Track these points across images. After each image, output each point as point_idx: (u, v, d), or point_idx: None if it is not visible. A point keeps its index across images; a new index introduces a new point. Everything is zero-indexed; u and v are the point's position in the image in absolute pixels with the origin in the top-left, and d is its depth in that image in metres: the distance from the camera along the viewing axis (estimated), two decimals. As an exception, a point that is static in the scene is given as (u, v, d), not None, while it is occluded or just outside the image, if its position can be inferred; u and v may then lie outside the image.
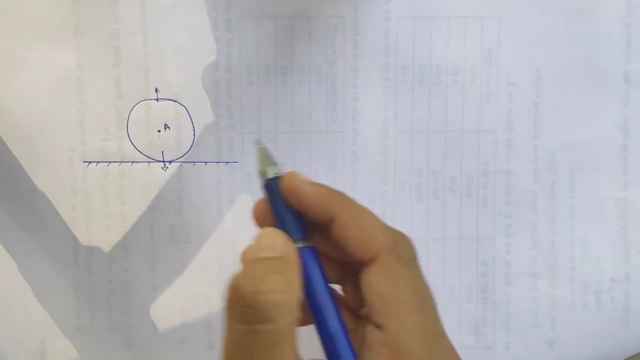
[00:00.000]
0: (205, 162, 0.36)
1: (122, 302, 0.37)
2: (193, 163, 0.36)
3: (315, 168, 0.37)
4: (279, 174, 0.27)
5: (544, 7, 0.37)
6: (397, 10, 0.36)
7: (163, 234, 0.37)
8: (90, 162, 0.36)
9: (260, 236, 0.26)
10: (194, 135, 0.36)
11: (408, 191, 0.37)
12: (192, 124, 0.36)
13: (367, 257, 0.26)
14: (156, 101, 0.36)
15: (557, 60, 0.37)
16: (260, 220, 0.28)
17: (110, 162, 0.36)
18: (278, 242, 0.26)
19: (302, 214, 0.27)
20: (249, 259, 0.26)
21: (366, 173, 0.37)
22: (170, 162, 0.36)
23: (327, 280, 0.26)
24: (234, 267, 0.37)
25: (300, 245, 0.26)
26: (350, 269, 0.27)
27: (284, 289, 0.24)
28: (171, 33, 0.36)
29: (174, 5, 0.36)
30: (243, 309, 0.23)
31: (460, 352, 0.37)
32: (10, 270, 0.36)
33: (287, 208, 0.27)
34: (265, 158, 0.28)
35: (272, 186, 0.27)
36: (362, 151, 0.37)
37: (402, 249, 0.26)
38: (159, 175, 0.36)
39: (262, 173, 0.28)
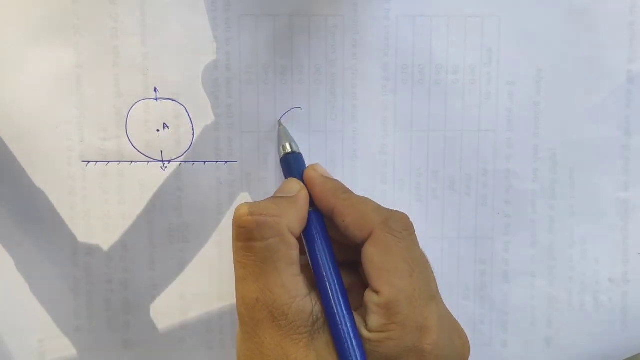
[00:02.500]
0: (205, 162, 0.37)
1: (121, 301, 0.37)
2: (192, 162, 0.36)
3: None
4: (295, 151, 0.34)
5: (545, 6, 0.36)
6: (397, 9, 0.36)
7: (162, 233, 0.37)
8: (89, 162, 0.36)
9: (284, 183, 0.33)
10: (193, 134, 0.36)
11: (407, 190, 0.37)
12: (192, 123, 0.36)
13: (364, 235, 0.30)
14: (155, 100, 0.36)
15: (559, 59, 0.37)
16: None
17: (109, 161, 0.36)
18: (295, 187, 0.32)
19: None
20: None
21: (365, 172, 0.37)
22: (169, 161, 0.36)
23: (327, 235, 0.31)
24: (233, 266, 0.37)
25: (309, 209, 0.31)
26: (357, 250, 0.31)
27: (274, 213, 0.29)
28: (170, 32, 0.36)
29: (173, 4, 0.36)
30: (238, 228, 0.29)
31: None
32: (8, 269, 0.36)
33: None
34: (284, 136, 0.35)
35: (287, 160, 0.34)
36: (361, 150, 0.37)
37: (393, 223, 0.30)
38: (158, 175, 0.36)
39: (283, 148, 0.34)
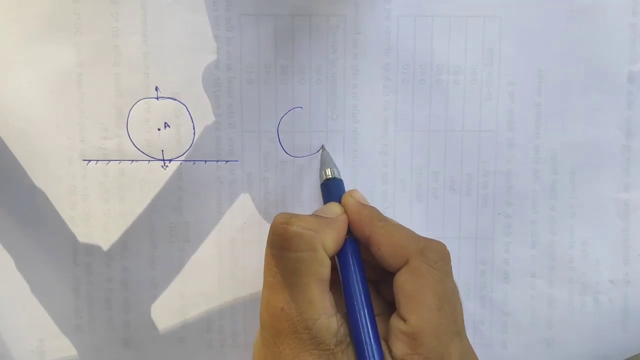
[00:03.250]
0: (205, 161, 0.37)
1: (121, 301, 0.37)
2: (193, 162, 0.36)
3: (315, 167, 0.37)
4: (336, 177, 0.35)
5: (546, 6, 0.36)
6: (398, 9, 0.36)
7: (162, 232, 0.37)
8: (89, 161, 0.36)
9: (325, 205, 0.33)
10: (194, 134, 0.36)
11: (408, 190, 0.37)
12: (192, 122, 0.36)
13: (400, 264, 0.30)
14: (156, 100, 0.36)
15: (560, 60, 0.37)
16: None
17: (109, 160, 0.36)
18: (336, 210, 0.32)
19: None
20: None
21: (366, 172, 0.37)
22: (170, 160, 0.36)
23: (361, 264, 0.31)
24: (234, 266, 0.37)
25: (346, 236, 0.31)
26: (388, 272, 0.31)
27: (312, 228, 0.29)
28: (171, 31, 0.36)
29: (174, 3, 0.36)
30: (274, 235, 0.29)
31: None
32: (9, 269, 0.36)
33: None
34: (326, 162, 0.35)
35: (327, 185, 0.34)
36: (362, 150, 0.37)
37: (430, 252, 0.30)
38: (158, 174, 0.36)
39: (325, 174, 0.35)
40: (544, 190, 0.37)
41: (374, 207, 0.33)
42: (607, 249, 0.38)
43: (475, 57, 0.37)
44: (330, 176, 0.35)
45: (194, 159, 0.36)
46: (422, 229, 0.37)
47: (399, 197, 0.37)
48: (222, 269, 0.37)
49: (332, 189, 0.34)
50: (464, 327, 0.30)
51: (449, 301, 0.29)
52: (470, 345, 0.31)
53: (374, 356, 0.28)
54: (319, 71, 0.36)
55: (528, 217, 0.38)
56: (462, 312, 0.31)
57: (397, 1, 0.36)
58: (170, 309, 0.37)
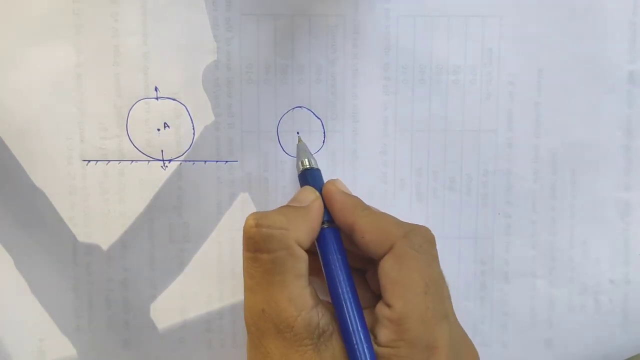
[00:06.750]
0: (205, 161, 0.37)
1: (121, 301, 0.37)
2: (192, 162, 0.36)
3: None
4: (313, 167, 0.34)
5: (546, 6, 0.36)
6: (397, 9, 0.36)
7: (162, 232, 0.37)
8: (89, 161, 0.36)
9: (299, 191, 0.33)
10: (194, 134, 0.36)
11: (408, 190, 0.37)
12: (192, 122, 0.36)
13: (385, 250, 0.30)
14: (156, 100, 0.36)
15: (560, 59, 0.37)
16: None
17: (109, 160, 0.36)
18: (310, 196, 0.32)
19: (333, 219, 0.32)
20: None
21: (366, 172, 0.37)
22: (169, 160, 0.36)
23: (344, 253, 0.31)
24: (233, 266, 0.37)
25: (325, 226, 0.31)
26: (367, 259, 0.32)
27: (282, 226, 0.29)
28: (171, 31, 0.36)
29: (174, 3, 0.36)
30: (247, 239, 0.29)
31: (458, 350, 0.38)
32: (8, 269, 0.36)
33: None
34: (303, 152, 0.35)
35: (305, 175, 0.34)
36: (362, 150, 0.37)
37: (414, 237, 0.30)
38: (158, 174, 0.36)
39: (302, 164, 0.34)
40: (544, 190, 0.37)
41: (356, 197, 0.32)
42: (607, 249, 0.38)
43: (474, 57, 0.37)
44: (308, 166, 0.34)
45: (194, 159, 0.36)
46: (422, 229, 0.37)
47: (399, 196, 0.37)
48: (222, 269, 0.37)
49: (309, 179, 0.34)
50: (452, 311, 0.30)
51: (436, 284, 0.29)
52: (461, 328, 0.30)
53: (362, 343, 0.28)
54: (319, 71, 0.36)
55: (528, 217, 0.37)
56: (449, 296, 0.30)
57: (397, 1, 0.36)
58: (170, 309, 0.37)
